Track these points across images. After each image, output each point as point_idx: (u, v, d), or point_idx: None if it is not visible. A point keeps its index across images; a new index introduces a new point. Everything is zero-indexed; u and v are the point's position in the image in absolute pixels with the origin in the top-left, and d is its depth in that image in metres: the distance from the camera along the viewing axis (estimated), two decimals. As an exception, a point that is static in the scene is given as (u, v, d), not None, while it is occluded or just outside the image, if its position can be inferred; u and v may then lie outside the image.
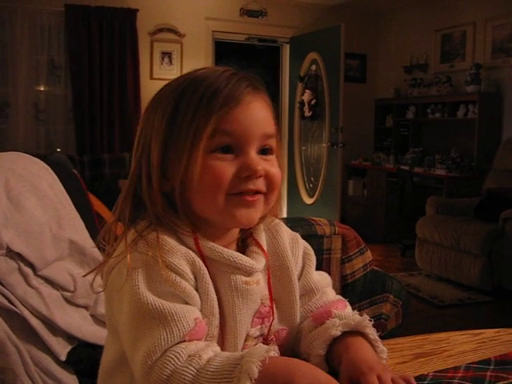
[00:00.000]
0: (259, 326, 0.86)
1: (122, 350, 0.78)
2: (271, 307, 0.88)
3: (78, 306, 1.33)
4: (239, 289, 0.83)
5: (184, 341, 0.71)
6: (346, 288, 1.84)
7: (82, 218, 1.47)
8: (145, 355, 0.69)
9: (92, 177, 5.60)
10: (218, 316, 0.80)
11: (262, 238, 0.91)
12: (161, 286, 0.74)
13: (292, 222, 1.84)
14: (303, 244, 0.99)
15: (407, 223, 5.63)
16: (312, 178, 6.60)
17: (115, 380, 0.83)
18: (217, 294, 0.80)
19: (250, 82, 0.84)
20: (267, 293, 0.88)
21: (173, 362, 0.69)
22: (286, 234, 0.97)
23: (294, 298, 0.91)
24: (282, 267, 0.91)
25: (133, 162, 0.85)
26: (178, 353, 0.69)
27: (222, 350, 0.78)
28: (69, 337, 1.28)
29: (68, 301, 1.30)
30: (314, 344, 0.84)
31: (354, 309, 0.94)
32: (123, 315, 0.75)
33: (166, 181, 0.82)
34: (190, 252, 0.79)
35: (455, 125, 6.11)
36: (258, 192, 0.82)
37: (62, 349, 1.26)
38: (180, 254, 0.78)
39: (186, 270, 0.77)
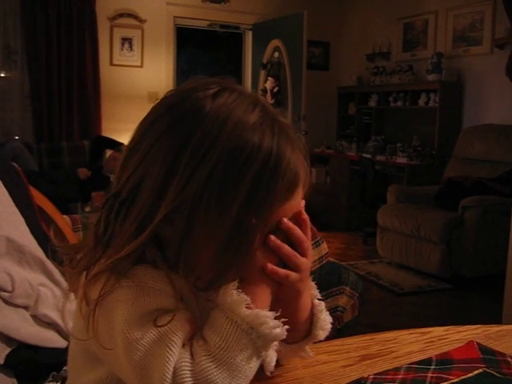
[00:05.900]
0: None
1: (104, 377, 0.74)
2: None
3: (16, 306, 1.27)
4: None
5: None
6: (301, 281, 1.82)
7: (21, 213, 1.40)
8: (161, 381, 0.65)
9: (50, 165, 5.46)
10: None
11: None
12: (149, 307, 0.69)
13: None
14: None
15: (369, 211, 5.66)
16: (275, 166, 6.56)
17: None
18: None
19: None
20: None
21: (187, 367, 0.65)
22: None
23: None
24: None
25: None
26: (185, 357, 0.66)
27: None
28: (7, 339, 1.23)
29: (6, 301, 1.24)
30: None
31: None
32: (118, 354, 0.68)
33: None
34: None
35: (417, 113, 6.15)
36: None
37: (0, 352, 1.20)
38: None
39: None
